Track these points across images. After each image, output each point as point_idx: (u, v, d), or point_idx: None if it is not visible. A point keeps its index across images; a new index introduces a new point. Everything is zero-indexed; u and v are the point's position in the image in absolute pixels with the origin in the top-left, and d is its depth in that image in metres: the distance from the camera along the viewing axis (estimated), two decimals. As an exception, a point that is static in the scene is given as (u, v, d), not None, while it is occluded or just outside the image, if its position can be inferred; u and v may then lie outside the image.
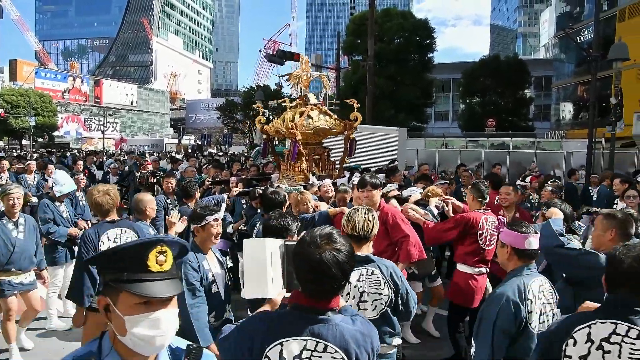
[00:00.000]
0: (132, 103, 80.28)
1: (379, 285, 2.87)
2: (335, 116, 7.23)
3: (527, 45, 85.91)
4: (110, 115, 64.81)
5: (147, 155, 26.28)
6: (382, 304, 2.88)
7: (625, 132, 22.68)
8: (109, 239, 3.97)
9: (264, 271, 2.20)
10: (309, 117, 6.54)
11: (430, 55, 35.70)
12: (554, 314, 2.78)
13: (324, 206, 5.27)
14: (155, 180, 8.41)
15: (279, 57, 18.22)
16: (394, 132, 14.50)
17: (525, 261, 2.77)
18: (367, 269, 2.88)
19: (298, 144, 6.37)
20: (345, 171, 8.24)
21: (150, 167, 10.94)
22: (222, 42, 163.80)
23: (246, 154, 27.88)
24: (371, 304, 2.87)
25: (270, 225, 3.12)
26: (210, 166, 10.65)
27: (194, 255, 3.25)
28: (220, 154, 33.88)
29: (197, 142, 60.30)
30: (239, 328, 1.94)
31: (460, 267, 4.76)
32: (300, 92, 6.95)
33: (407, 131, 17.50)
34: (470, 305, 4.60)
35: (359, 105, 6.85)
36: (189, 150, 42.46)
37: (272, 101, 37.58)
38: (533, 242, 2.76)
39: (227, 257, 6.26)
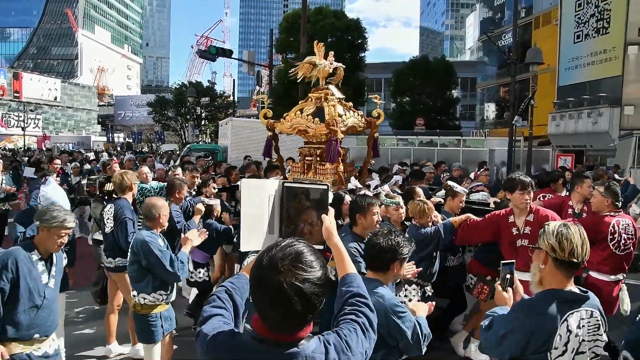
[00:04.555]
0: (55, 98, 75.81)
1: (598, 330, 2.23)
2: (361, 112, 6.68)
3: (454, 48, 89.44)
4: (31, 111, 60.87)
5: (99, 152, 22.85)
6: (594, 353, 2.25)
7: (541, 131, 24.29)
8: None
9: (262, 220, 1.92)
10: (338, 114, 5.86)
11: (362, 54, 36.38)
12: None
13: (439, 216, 4.81)
14: (113, 189, 6.61)
15: (211, 53, 18.02)
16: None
17: None
18: (586, 311, 2.22)
19: (338, 143, 5.61)
20: (373, 173, 7.58)
21: (117, 169, 8.36)
22: (153, 36, 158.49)
23: (178, 152, 27.21)
24: (587, 355, 2.22)
25: (374, 244, 2.67)
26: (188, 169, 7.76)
27: None
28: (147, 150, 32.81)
29: (127, 139, 58.09)
30: (208, 344, 1.61)
31: (595, 275, 4.46)
32: (318, 83, 6.21)
33: (340, 129, 17.74)
34: (609, 314, 4.05)
35: (383, 101, 6.39)
36: (119, 148, 40.89)
37: (204, 98, 36.76)
38: None
39: (204, 269, 5.66)
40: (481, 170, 10.11)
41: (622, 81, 21.05)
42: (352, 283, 1.82)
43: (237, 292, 1.83)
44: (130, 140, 54.80)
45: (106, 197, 6.31)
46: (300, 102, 6.28)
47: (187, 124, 41.88)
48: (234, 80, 38.92)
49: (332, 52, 6.26)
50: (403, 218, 4.66)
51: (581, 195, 5.65)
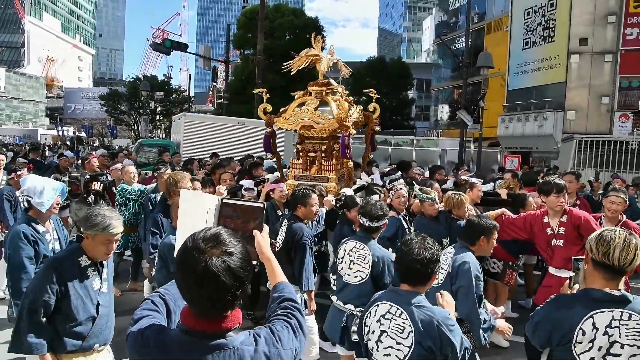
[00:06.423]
0: (-1, 88, 72.58)
1: None
2: (361, 107, 6.63)
3: (411, 50, 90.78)
4: (-29, 101, 58.06)
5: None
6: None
7: (492, 133, 25.17)
8: None
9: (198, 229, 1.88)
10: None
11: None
12: None
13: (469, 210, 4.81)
14: (102, 187, 6.04)
15: (166, 46, 17.69)
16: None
17: None
18: (623, 313, 2.14)
19: (350, 138, 5.53)
20: (374, 167, 7.56)
21: (96, 165, 7.83)
22: (106, 27, 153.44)
23: (131, 148, 26.57)
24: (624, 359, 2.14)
25: (418, 256, 2.52)
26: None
27: None
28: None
29: (78, 133, 56.15)
30: (136, 339, 1.59)
31: None
32: (325, 77, 6.07)
33: (296, 127, 17.76)
34: None
35: (378, 95, 6.33)
36: (67, 142, 39.48)
37: (159, 92, 35.99)
38: None
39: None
40: (461, 170, 10.58)
41: (565, 87, 22.09)
42: (284, 290, 1.85)
43: (170, 298, 1.82)
44: (81, 135, 53.06)
45: (90, 197, 5.86)
46: (296, 97, 6.21)
47: (140, 119, 40.98)
48: (189, 75, 38.29)
49: (332, 46, 6.29)
50: (437, 213, 4.79)
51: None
